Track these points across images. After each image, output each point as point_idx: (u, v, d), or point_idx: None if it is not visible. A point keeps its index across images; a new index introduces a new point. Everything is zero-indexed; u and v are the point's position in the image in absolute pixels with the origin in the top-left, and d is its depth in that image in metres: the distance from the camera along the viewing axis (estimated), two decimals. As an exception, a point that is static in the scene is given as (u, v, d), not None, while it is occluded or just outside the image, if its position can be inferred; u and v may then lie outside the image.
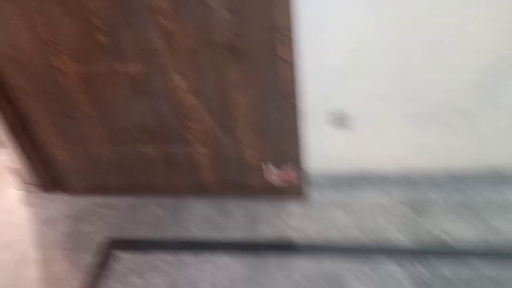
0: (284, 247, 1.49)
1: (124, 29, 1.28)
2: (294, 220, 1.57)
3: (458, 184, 1.60)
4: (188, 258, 1.50)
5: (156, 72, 1.36)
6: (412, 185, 1.62)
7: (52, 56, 1.37)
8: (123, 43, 1.31)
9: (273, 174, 1.58)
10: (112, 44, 1.32)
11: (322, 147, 1.55)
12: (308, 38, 1.30)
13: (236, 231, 1.57)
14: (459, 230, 1.46)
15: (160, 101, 1.44)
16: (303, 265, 1.42)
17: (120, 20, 1.27)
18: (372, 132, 1.51)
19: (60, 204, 1.77)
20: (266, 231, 1.55)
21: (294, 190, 1.60)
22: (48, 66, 1.40)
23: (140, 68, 1.36)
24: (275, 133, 1.45)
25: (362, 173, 1.62)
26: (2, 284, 1.46)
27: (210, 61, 1.32)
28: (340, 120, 1.47)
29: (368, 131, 1.51)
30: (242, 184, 1.63)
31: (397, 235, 1.47)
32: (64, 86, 1.44)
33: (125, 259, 1.52)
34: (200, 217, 1.64)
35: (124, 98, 1.45)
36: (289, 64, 1.29)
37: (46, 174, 1.76)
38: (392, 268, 1.38)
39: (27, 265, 1.52)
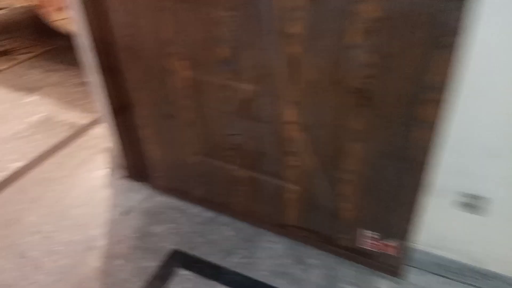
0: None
1: (247, 47, 1.15)
2: (379, 299, 1.33)
3: None
4: (250, 302, 1.35)
5: (268, 98, 1.22)
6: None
7: (168, 57, 1.30)
8: (243, 61, 1.18)
9: (369, 241, 1.34)
10: (230, 59, 1.20)
11: (439, 227, 1.27)
12: (459, 102, 1.04)
13: None
14: None
15: (263, 127, 1.29)
16: None
17: (245, 38, 1.14)
18: (509, 226, 1.20)
19: (140, 196, 1.74)
20: (342, 300, 1.34)
21: (390, 265, 1.35)
22: (162, 66, 1.33)
23: (252, 89, 1.23)
24: (386, 198, 1.22)
25: (480, 269, 1.31)
26: (64, 264, 1.45)
27: (332, 100, 1.13)
28: (472, 204, 1.19)
29: (505, 224, 1.20)
30: (329, 238, 1.42)
31: None
32: (172, 88, 1.37)
33: (186, 279, 1.41)
34: (273, 258, 1.47)
35: (227, 115, 1.33)
36: (428, 126, 1.04)
37: (134, 163, 1.74)
38: None
39: (92, 252, 1.50)
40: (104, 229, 1.60)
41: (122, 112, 1.60)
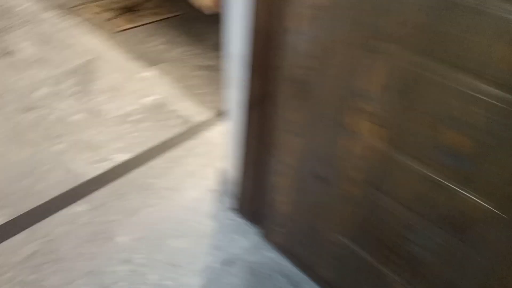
0: None
1: (507, 149, 0.69)
2: None
3: None
4: None
5: (508, 228, 0.76)
6: None
7: (354, 113, 0.89)
8: (487, 164, 0.73)
9: None
10: (467, 154, 0.75)
11: None
12: None
13: None
14: None
15: (475, 256, 0.84)
16: None
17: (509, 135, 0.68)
18: None
19: (248, 243, 1.40)
20: None
21: None
22: (339, 120, 0.92)
23: (484, 208, 0.77)
24: None
25: None
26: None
27: None
28: None
29: None
30: None
31: None
32: (343, 151, 0.97)
33: None
34: None
35: (416, 215, 0.90)
36: None
37: (251, 198, 1.40)
38: None
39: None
40: (199, 279, 1.29)
41: (259, 156, 1.23)
